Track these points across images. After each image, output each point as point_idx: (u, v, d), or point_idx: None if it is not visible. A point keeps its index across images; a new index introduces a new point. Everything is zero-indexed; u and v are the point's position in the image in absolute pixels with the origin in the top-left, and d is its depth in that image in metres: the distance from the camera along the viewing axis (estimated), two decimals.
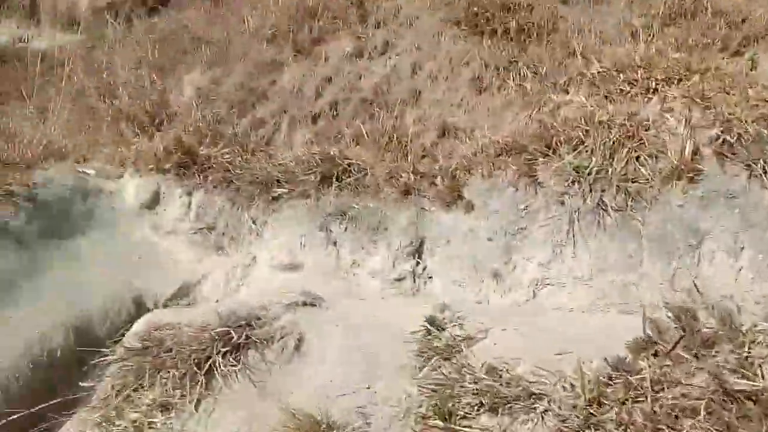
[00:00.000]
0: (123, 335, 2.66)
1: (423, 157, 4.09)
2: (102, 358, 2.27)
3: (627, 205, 2.93)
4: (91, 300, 2.77)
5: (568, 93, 3.83)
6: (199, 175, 3.92)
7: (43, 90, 6.43)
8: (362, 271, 3.37)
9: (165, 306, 3.11)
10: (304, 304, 2.58)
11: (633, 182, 3.00)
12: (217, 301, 3.30)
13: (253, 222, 3.69)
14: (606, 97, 3.61)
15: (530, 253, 3.01)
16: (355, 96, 4.90)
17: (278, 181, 3.81)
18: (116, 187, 3.74)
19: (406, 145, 4.16)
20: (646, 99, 3.44)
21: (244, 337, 2.20)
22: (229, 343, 2.16)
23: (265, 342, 2.22)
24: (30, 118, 5.60)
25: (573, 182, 3.08)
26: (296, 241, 3.52)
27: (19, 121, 5.47)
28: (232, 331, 2.19)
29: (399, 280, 3.30)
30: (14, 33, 9.88)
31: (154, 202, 3.75)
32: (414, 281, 3.35)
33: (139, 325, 2.40)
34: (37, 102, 6.03)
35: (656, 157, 3.05)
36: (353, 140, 4.43)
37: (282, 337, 2.26)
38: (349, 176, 3.80)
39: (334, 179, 3.76)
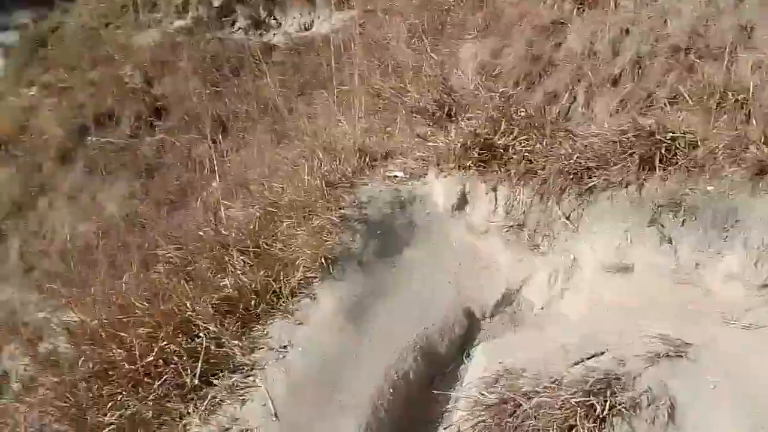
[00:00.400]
0: (461, 356, 2.71)
1: None
2: (452, 406, 2.31)
3: None
4: (429, 317, 2.88)
5: None
6: (500, 169, 3.79)
7: (338, 81, 6.98)
8: (710, 275, 2.85)
9: (492, 315, 3.11)
10: (667, 355, 2.22)
11: None
12: (542, 308, 3.18)
13: (566, 217, 3.43)
14: None
15: None
16: (662, 45, 4.19)
17: (588, 168, 3.45)
18: (426, 190, 3.84)
19: (745, 104, 3.39)
20: None
21: (608, 406, 1.99)
22: (592, 414, 1.98)
23: (631, 410, 1.98)
24: (336, 119, 6.05)
25: None
26: (620, 238, 3.15)
27: (329, 124, 6.03)
28: (594, 402, 2.00)
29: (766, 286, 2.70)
30: (299, 20, 11.08)
31: (462, 202, 3.75)
32: None
33: (479, 363, 2.39)
34: (338, 99, 6.60)
35: None
36: (669, 104, 3.79)
37: (650, 404, 1.99)
38: (675, 155, 3.24)
39: (656, 160, 3.25)
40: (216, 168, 7.39)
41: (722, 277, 2.79)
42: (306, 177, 3.81)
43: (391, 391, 2.45)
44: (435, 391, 2.40)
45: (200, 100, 9.18)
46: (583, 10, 4.89)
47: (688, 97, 3.59)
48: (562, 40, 4.83)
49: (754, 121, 3.25)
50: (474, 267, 3.30)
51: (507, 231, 3.54)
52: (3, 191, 8.61)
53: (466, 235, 3.55)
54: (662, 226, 3.04)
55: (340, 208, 3.35)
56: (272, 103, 8.05)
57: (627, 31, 4.46)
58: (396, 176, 4.14)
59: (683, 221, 2.98)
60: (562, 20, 4.95)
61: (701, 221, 2.93)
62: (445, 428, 2.26)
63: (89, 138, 8.78)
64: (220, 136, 8.35)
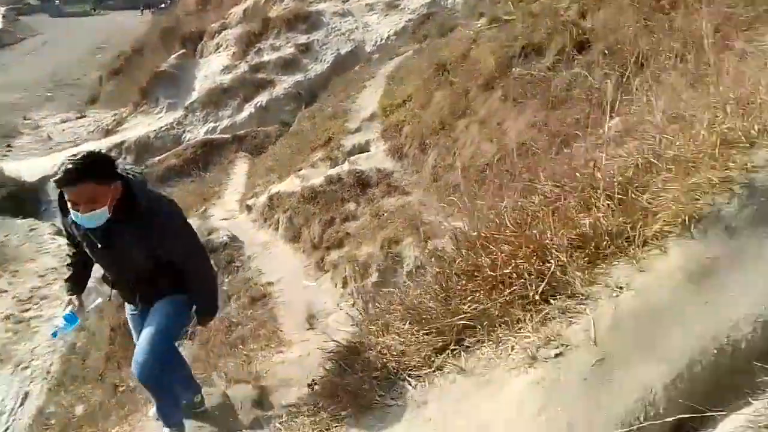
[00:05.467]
0: None
1: None
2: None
3: None
4: None
5: None
6: None
7: None
8: None
9: None
10: None
11: None
12: None
13: None
14: None
15: None
16: None
17: None
18: None
19: None
20: None
21: None
22: None
23: None
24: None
25: None
26: None
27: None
28: None
29: None
30: None
31: None
32: None
33: None
34: None
35: None
36: None
37: None
38: None
39: None
40: (616, 107, 7.47)
41: None
42: (702, 131, 3.69)
43: (715, 352, 2.44)
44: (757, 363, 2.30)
45: (627, 34, 9.04)
46: None
47: None
48: None
49: None
50: None
51: None
52: (436, 111, 10.52)
53: None
54: None
55: (726, 169, 3.21)
56: (707, 39, 7.40)
57: None
58: None
59: None
60: None
61: None
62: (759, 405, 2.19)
63: (513, 68, 9.80)
64: (635, 74, 8.19)
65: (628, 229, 3.00)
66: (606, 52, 9.24)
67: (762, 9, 7.29)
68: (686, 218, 2.93)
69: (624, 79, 8.50)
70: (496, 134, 9.57)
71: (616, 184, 3.26)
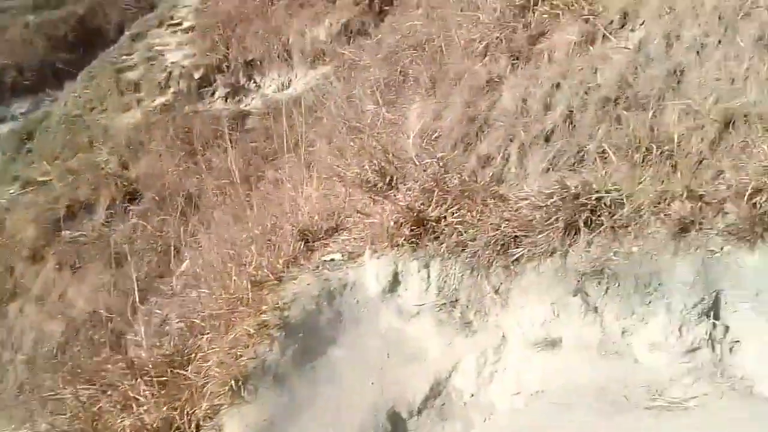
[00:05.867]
0: None
1: (699, 165, 3.13)
2: None
3: None
4: (348, 429, 2.71)
5: None
6: (432, 243, 3.67)
7: (307, 143, 6.78)
8: (637, 342, 2.70)
9: (419, 412, 2.94)
10: None
11: None
12: (471, 395, 3.01)
13: (495, 291, 3.28)
14: None
15: None
16: (592, 97, 4.06)
17: (516, 237, 3.32)
18: (358, 275, 3.70)
19: (671, 156, 3.25)
20: None
21: None
22: None
23: None
24: (290, 194, 5.81)
25: None
26: (546, 310, 3.01)
27: (283, 199, 5.84)
28: None
29: (691, 351, 2.55)
30: (278, 81, 11.01)
31: (394, 283, 3.60)
32: (713, 350, 2.56)
33: None
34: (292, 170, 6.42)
35: None
36: (600, 158, 3.66)
37: None
38: (600, 216, 3.10)
39: (581, 224, 3.12)
40: (182, 251, 7.27)
41: (648, 345, 2.64)
42: (234, 277, 3.68)
43: None
44: None
45: (172, 178, 9.19)
46: (518, 66, 4.79)
47: (611, 153, 3.46)
48: (497, 99, 4.73)
49: (679, 174, 3.11)
50: (402, 358, 3.15)
51: (439, 310, 3.39)
52: None
53: (395, 321, 3.40)
54: (587, 294, 2.90)
55: (262, 313, 3.21)
56: (235, 177, 7.98)
57: (558, 85, 4.33)
58: (333, 260, 4.00)
59: (607, 288, 2.84)
60: (497, 78, 4.85)
61: (625, 287, 2.78)
62: None
63: (63, 232, 8.81)
64: (191, 214, 8.30)
65: (177, 417, 2.63)
66: (157, 198, 9.20)
67: (279, 142, 8.40)
68: (233, 383, 2.75)
69: (182, 222, 8.50)
70: (60, 309, 8.32)
71: (155, 365, 2.88)
